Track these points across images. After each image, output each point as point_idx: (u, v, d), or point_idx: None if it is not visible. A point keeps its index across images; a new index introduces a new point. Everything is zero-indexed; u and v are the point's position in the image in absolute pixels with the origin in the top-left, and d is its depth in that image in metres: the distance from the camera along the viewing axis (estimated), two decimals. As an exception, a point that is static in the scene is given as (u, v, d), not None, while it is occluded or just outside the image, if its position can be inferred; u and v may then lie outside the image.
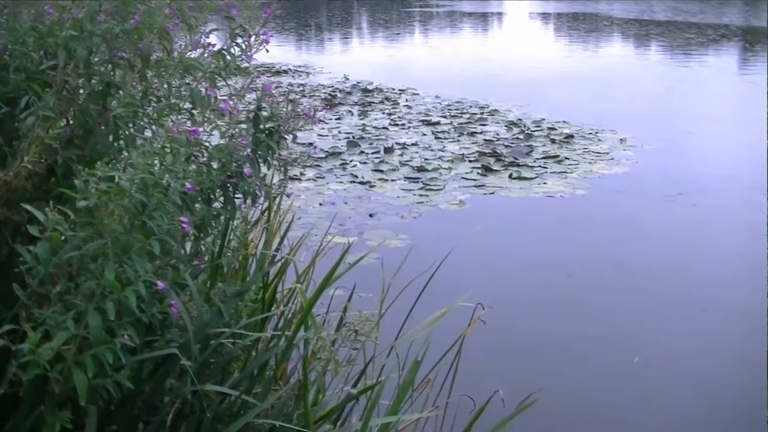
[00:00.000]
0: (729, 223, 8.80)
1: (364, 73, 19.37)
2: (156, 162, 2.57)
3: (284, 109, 2.89)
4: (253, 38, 2.94)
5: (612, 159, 11.40)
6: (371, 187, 9.76)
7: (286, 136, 2.93)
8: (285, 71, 20.05)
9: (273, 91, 2.92)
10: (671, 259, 7.67)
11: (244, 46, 2.95)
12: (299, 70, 20.41)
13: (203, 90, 2.93)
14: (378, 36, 31.28)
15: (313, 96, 16.40)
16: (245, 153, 2.85)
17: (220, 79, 3.03)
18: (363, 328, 2.89)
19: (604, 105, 16.35)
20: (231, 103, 2.94)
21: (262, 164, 2.95)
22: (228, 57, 2.96)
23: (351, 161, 10.97)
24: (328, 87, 17.64)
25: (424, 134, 12.85)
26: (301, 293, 3.32)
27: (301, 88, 17.29)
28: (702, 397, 5.26)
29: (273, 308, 3.77)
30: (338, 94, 16.66)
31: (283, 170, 3.03)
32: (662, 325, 6.29)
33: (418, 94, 17.06)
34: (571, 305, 6.61)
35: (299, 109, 2.98)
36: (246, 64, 3.06)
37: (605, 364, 5.67)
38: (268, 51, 3.06)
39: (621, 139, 12.74)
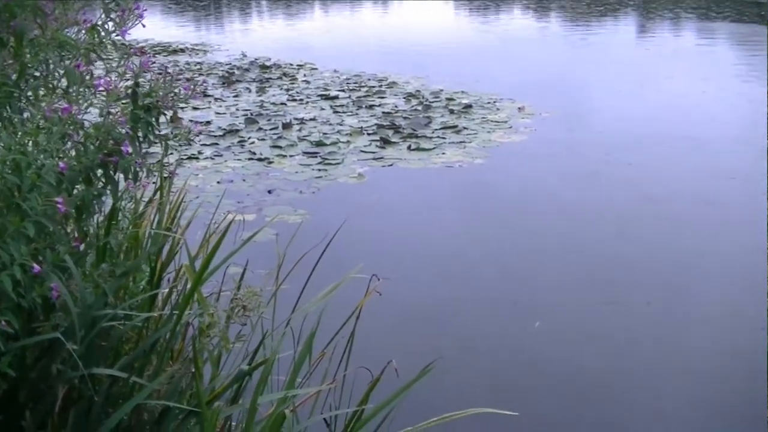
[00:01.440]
0: (620, 186, 9.02)
1: (262, 50, 19.18)
2: (30, 142, 2.50)
3: (163, 85, 2.83)
4: (126, 13, 2.87)
5: (510, 128, 11.51)
6: (270, 163, 9.69)
7: (165, 112, 2.87)
8: (182, 50, 19.73)
9: (150, 66, 2.85)
10: (568, 223, 7.79)
11: (118, 21, 2.88)
12: (197, 48, 20.12)
13: (78, 67, 2.86)
14: (277, 13, 30.99)
15: (210, 74, 16.19)
16: (124, 130, 2.79)
17: (97, 56, 2.96)
18: (251, 303, 2.85)
19: (503, 75, 16.46)
20: (108, 80, 2.87)
21: (143, 142, 2.90)
22: (102, 33, 2.89)
23: (249, 138, 10.87)
24: (226, 65, 17.43)
25: (323, 109, 12.80)
26: (188, 271, 3.27)
27: (199, 67, 17.06)
28: (602, 360, 5.34)
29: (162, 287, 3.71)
30: (236, 72, 16.46)
31: (164, 147, 2.98)
32: (562, 290, 6.37)
33: (316, 69, 16.96)
34: (468, 274, 6.65)
35: (179, 84, 2.92)
36: (122, 40, 2.99)
37: (504, 331, 5.71)
38: (144, 26, 2.99)
39: (519, 108, 12.88)
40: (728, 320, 5.88)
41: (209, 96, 13.75)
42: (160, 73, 2.96)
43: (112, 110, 2.80)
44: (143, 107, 2.86)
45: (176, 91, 2.90)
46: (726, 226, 7.71)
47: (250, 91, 14.39)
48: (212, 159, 9.86)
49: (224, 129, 11.32)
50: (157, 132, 2.92)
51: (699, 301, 6.18)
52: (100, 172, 2.81)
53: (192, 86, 2.91)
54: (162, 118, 2.94)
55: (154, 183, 4.32)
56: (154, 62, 3.56)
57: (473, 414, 3.20)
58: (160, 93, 2.84)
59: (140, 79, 2.88)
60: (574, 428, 4.57)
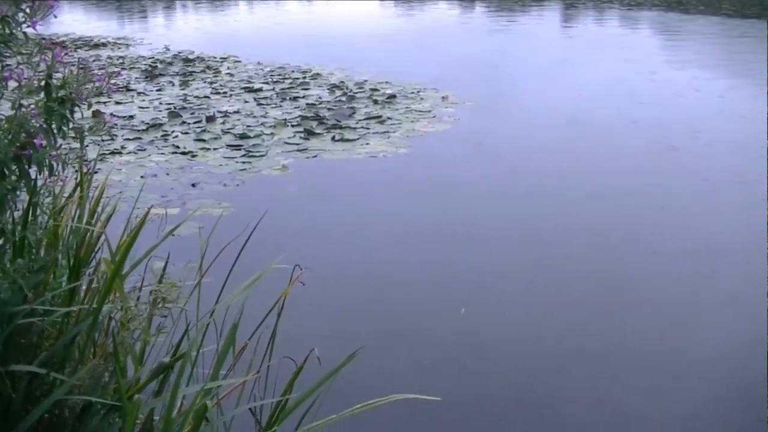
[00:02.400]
0: (539, 171, 9.20)
1: (186, 43, 19.00)
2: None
3: (77, 77, 2.80)
4: (37, 3, 2.83)
5: (434, 117, 11.58)
6: (193, 156, 9.62)
7: (80, 105, 2.84)
8: (104, 44, 19.47)
9: (63, 58, 2.82)
10: (492, 210, 7.88)
11: (29, 12, 2.83)
12: (119, 42, 19.86)
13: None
14: (202, 6, 30.71)
15: (133, 68, 16.00)
16: (37, 123, 2.75)
17: (8, 48, 2.91)
18: (171, 295, 2.84)
19: (428, 64, 16.53)
20: (20, 71, 2.83)
21: (57, 134, 2.86)
22: (12, 24, 2.84)
23: (173, 132, 10.77)
24: (149, 58, 17.23)
25: (247, 101, 12.74)
26: (107, 264, 3.24)
27: (121, 61, 16.85)
28: (529, 345, 5.40)
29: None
30: (159, 65, 16.30)
31: (80, 141, 2.95)
32: (488, 276, 6.43)
33: (240, 61, 16.86)
34: (392, 263, 6.68)
35: (94, 76, 2.89)
36: (35, 32, 2.95)
37: (429, 318, 5.74)
38: (56, 16, 2.95)
39: (443, 97, 12.96)
40: (654, 304, 5.99)
41: (132, 90, 13.61)
42: (74, 65, 2.92)
43: (25, 103, 2.76)
44: (57, 99, 2.83)
45: (92, 83, 2.86)
46: (655, 198, 7.88)
47: (173, 85, 14.26)
48: (135, 153, 9.76)
49: (147, 123, 11.21)
50: (72, 125, 2.89)
51: (625, 281, 6.28)
52: (13, 166, 2.77)
53: (106, 77, 2.88)
54: (86, 113, 2.91)
55: (75, 179, 4.27)
56: (71, 55, 3.52)
57: (396, 400, 3.21)
58: (74, 85, 2.80)
59: (54, 71, 2.84)
60: (498, 412, 4.61)
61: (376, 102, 12.51)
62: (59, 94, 2.84)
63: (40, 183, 3.01)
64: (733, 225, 7.34)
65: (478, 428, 4.43)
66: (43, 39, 3.15)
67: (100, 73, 2.95)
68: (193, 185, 8.49)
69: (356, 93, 13.22)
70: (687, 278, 6.37)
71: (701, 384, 4.95)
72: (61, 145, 2.88)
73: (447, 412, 4.47)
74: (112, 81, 2.92)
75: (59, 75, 2.87)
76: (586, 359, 5.16)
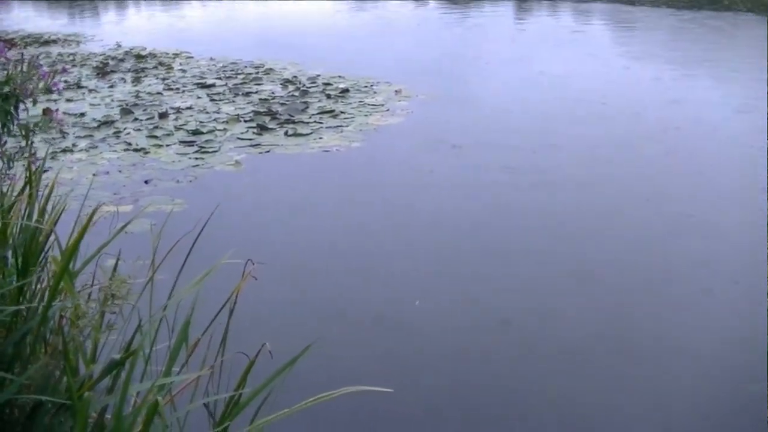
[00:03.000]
0: (491, 162, 9.24)
1: (138, 40, 18.89)
2: None
3: (20, 72, 2.78)
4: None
5: (387, 110, 11.59)
6: (146, 153, 9.56)
7: (24, 101, 2.82)
8: (54, 41, 19.30)
9: (6, 55, 2.80)
10: (445, 201, 7.91)
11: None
12: (69, 39, 19.69)
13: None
14: (154, 2, 30.47)
15: (84, 65, 15.88)
16: (-19, 121, 2.73)
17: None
18: (120, 291, 2.83)
19: (381, 59, 16.55)
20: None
21: (1, 131, 2.84)
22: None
23: (125, 129, 10.70)
24: (100, 55, 17.11)
25: (199, 97, 12.69)
26: (55, 262, 3.22)
27: (72, 58, 16.71)
28: (481, 335, 5.43)
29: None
30: (111, 62, 16.19)
31: (25, 137, 2.93)
32: (442, 266, 6.44)
33: (192, 57, 16.78)
34: (346, 256, 6.68)
35: (39, 72, 2.87)
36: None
37: (384, 310, 5.75)
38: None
39: (396, 91, 12.96)
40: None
41: (83, 87, 13.51)
42: (21, 62, 2.90)
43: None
44: (0, 96, 2.81)
45: (38, 79, 2.85)
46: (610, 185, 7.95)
47: (125, 82, 14.17)
48: (87, 151, 9.69)
49: (99, 120, 11.13)
50: (18, 121, 2.87)
51: (579, 268, 6.34)
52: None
53: (51, 73, 2.86)
54: (36, 111, 2.90)
55: (25, 177, 4.24)
56: (20, 51, 3.49)
57: (348, 392, 3.22)
58: (19, 81, 2.79)
59: (-2, 68, 2.83)
60: (450, 404, 4.64)
61: (329, 96, 12.51)
62: (3, 91, 2.83)
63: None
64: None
65: (431, 420, 4.44)
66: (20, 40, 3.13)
67: (46, 70, 2.93)
68: (146, 182, 8.44)
69: (309, 88, 13.21)
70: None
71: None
72: (5, 141, 2.86)
73: (400, 403, 4.49)
74: (62, 78, 2.90)
75: (3, 71, 2.86)
76: (537, 351, 5.20)
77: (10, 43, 3.07)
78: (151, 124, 10.94)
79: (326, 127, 10.61)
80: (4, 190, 3.90)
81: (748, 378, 4.77)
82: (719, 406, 4.67)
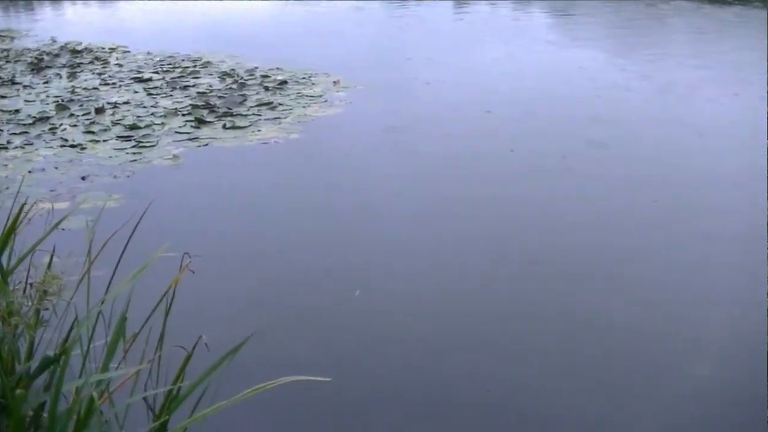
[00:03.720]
0: (430, 151, 9.37)
1: (73, 34, 18.61)
2: None
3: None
4: None
5: (326, 101, 11.61)
6: (83, 149, 9.47)
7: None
8: (-16, 37, 19.03)
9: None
10: (384, 192, 7.96)
11: None
12: (2, 34, 19.36)
13: None
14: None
15: (18, 60, 15.65)
16: None
17: None
18: (52, 287, 2.83)
19: (319, 50, 16.53)
20: None
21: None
22: None
23: (61, 125, 10.58)
24: (35, 50, 16.86)
25: (136, 92, 12.56)
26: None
27: (5, 53, 16.47)
28: (426, 323, 5.47)
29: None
30: (45, 57, 15.96)
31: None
32: (386, 257, 6.48)
33: (129, 51, 16.60)
34: (285, 248, 6.69)
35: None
36: None
37: (324, 300, 5.77)
38: None
39: (334, 82, 12.98)
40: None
41: (17, 83, 13.32)
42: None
43: None
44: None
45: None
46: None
47: (60, 77, 13.98)
48: (22, 148, 9.57)
49: (34, 117, 10.98)
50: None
51: (527, 260, 6.41)
52: None
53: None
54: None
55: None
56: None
57: (287, 382, 3.25)
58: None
59: None
60: (389, 392, 4.67)
61: (267, 88, 12.48)
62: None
63: None
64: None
65: (371, 409, 4.48)
66: None
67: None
68: (83, 178, 8.37)
69: (247, 80, 13.16)
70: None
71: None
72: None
73: (340, 392, 4.52)
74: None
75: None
76: (477, 339, 5.25)
77: None
78: (88, 119, 10.83)
79: (264, 120, 10.60)
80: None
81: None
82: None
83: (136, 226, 4.05)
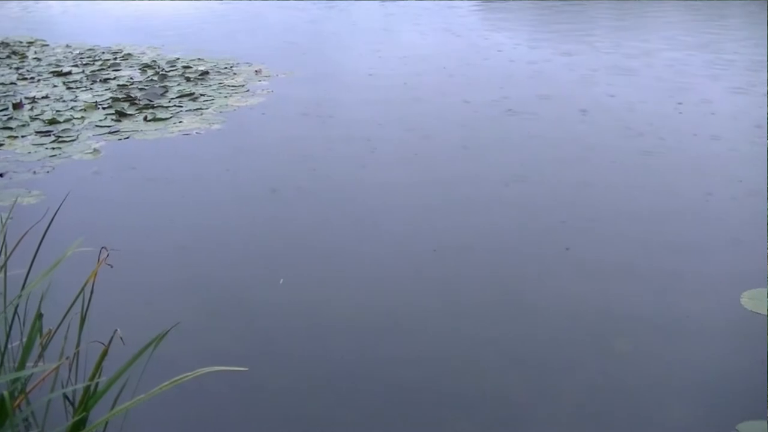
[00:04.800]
0: (350, 135, 9.45)
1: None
2: None
3: None
4: None
5: (247, 91, 11.61)
6: (0, 146, 9.33)
7: None
8: None
9: None
10: (307, 174, 7.98)
11: None
12: None
13: None
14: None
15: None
16: None
17: None
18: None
19: (241, 40, 16.53)
20: None
21: None
22: None
23: (-23, 122, 10.43)
24: (-52, 47, 16.58)
25: (55, 86, 12.39)
26: None
27: None
28: (346, 315, 5.49)
29: None
30: (-40, 54, 15.71)
31: None
32: (311, 243, 6.47)
33: (47, 45, 16.41)
34: (207, 239, 6.65)
35: None
36: None
37: (248, 291, 5.76)
38: None
39: (256, 71, 12.98)
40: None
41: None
42: None
43: None
44: None
45: None
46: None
47: (-25, 73, 13.78)
48: (-64, 147, 9.42)
49: (-53, 116, 10.80)
50: None
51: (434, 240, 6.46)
52: None
53: None
54: None
55: None
56: None
57: (204, 373, 3.26)
58: None
59: None
60: (309, 380, 4.69)
61: (188, 79, 12.41)
62: None
63: None
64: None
65: (290, 399, 4.49)
66: None
67: None
68: (1, 175, 8.25)
69: (168, 71, 13.09)
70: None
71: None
72: None
73: (260, 382, 4.53)
74: None
75: None
76: (398, 326, 5.28)
77: None
78: (5, 115, 10.65)
79: (186, 111, 10.54)
80: None
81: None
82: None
83: (51, 221, 4.02)
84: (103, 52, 15.18)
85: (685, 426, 4.12)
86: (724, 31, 17.48)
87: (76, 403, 3.53)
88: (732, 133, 9.11)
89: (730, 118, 9.82)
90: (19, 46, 16.33)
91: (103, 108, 10.85)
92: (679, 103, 10.52)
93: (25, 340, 3.55)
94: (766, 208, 6.85)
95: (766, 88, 11.19)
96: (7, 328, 3.62)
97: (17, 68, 13.96)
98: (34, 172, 8.30)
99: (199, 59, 13.96)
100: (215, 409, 4.34)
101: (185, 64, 13.58)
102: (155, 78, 12.59)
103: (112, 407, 3.39)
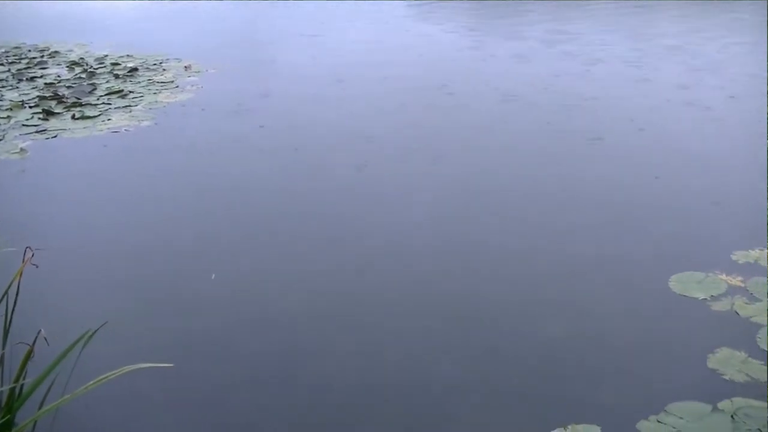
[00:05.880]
0: (281, 130, 9.43)
1: None
2: None
3: None
4: None
5: (177, 87, 11.54)
6: None
7: None
8: None
9: None
10: (239, 168, 7.96)
11: None
12: None
13: None
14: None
15: None
16: None
17: None
18: None
19: (171, 36, 16.42)
20: None
21: None
22: None
23: None
24: None
25: (-20, 85, 12.24)
26: None
27: None
28: (284, 307, 5.48)
29: None
30: None
31: None
32: (243, 239, 6.44)
33: (-29, 45, 16.19)
34: (138, 237, 6.59)
35: None
36: None
37: (180, 286, 5.70)
38: None
39: (186, 67, 12.92)
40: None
41: None
42: None
43: None
44: None
45: None
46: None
47: None
48: None
49: None
50: None
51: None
52: None
53: None
54: None
55: None
56: None
57: (131, 370, 3.25)
58: None
59: None
60: (241, 375, 4.67)
61: (117, 76, 12.30)
62: None
63: None
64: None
65: (215, 393, 4.47)
66: None
67: None
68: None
69: (97, 69, 12.96)
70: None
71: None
72: None
73: (180, 379, 4.50)
74: None
75: None
76: (316, 311, 5.29)
77: None
78: (-73, 116, 10.50)
79: (115, 108, 10.44)
80: None
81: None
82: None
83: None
84: (30, 50, 14.99)
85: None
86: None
87: (2, 406, 3.49)
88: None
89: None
90: (-60, 47, 16.06)
91: (30, 107, 10.70)
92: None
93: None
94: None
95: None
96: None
97: (-61, 70, 13.74)
98: (-41, 174, 8.18)
99: (128, 56, 13.85)
100: (147, 406, 4.31)
101: (114, 61, 13.46)
102: (83, 76, 12.46)
103: (39, 407, 3.38)
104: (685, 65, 12.29)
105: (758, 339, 4.60)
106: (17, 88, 11.87)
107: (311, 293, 5.52)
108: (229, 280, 5.73)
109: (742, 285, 5.23)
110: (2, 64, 13.70)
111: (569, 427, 3.87)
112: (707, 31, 15.95)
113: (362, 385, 4.42)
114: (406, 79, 11.74)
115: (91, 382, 3.22)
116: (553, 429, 3.85)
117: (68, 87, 11.68)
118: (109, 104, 10.66)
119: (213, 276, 5.79)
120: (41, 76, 12.58)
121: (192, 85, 11.57)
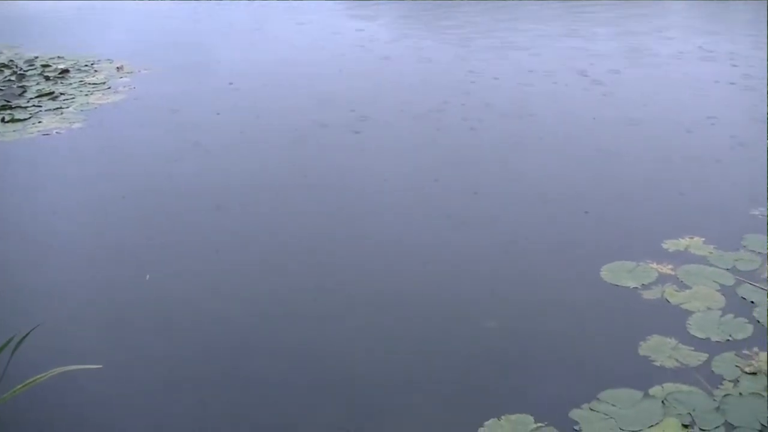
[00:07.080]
0: (212, 125, 9.50)
1: None
2: None
3: None
4: None
5: (109, 88, 11.43)
6: None
7: None
8: None
9: None
10: (174, 168, 7.89)
11: None
12: None
13: None
14: None
15: None
16: None
17: None
18: None
19: (103, 37, 16.26)
20: None
21: None
22: None
23: None
24: None
25: None
26: None
27: None
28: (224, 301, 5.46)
29: None
30: None
31: None
32: (179, 238, 6.39)
33: None
34: (72, 238, 6.52)
35: None
36: None
37: (113, 287, 5.65)
38: None
39: (118, 68, 12.80)
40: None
41: None
42: None
43: None
44: None
45: None
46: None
47: None
48: None
49: None
50: None
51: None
52: None
53: None
54: None
55: None
56: None
57: (59, 373, 3.22)
58: None
59: None
60: (172, 373, 4.63)
61: (47, 78, 12.14)
62: None
63: None
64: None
65: (153, 390, 4.44)
66: None
67: None
68: None
69: (27, 71, 12.77)
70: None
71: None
72: None
73: (108, 379, 4.46)
74: None
75: None
76: (257, 306, 5.28)
77: None
78: None
79: (45, 111, 10.29)
80: None
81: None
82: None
83: None
84: (-46, 54, 14.75)
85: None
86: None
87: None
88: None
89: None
90: None
91: (-43, 112, 10.53)
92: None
93: None
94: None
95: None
96: None
97: None
98: None
99: (59, 57, 13.67)
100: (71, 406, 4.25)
101: (44, 63, 13.28)
102: (13, 78, 12.27)
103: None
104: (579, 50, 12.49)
105: (688, 325, 4.68)
106: (-58, 93, 11.67)
107: (239, 294, 5.50)
108: (162, 281, 5.69)
109: (673, 273, 5.32)
110: (-74, 70, 13.45)
111: (503, 417, 3.90)
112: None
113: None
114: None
115: (19, 386, 3.19)
116: (487, 420, 3.88)
117: (-3, 90, 11.52)
118: (40, 106, 10.50)
119: (147, 277, 5.75)
120: (-32, 80, 12.39)
121: (124, 86, 11.45)
